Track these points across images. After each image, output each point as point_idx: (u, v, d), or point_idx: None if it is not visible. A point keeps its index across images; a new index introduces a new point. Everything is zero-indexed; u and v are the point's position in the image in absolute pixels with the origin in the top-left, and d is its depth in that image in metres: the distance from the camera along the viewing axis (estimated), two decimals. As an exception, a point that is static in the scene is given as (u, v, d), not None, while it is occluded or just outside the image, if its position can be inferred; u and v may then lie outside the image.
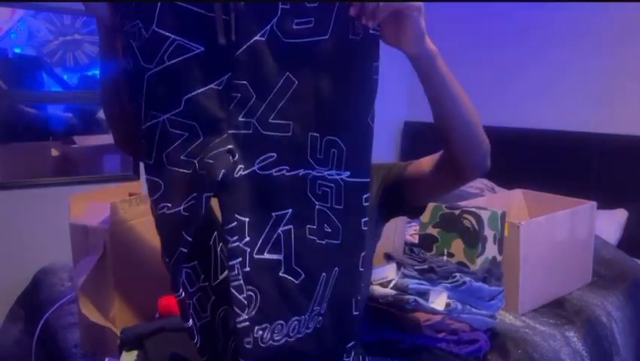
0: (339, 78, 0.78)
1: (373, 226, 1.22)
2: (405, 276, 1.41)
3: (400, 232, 1.75)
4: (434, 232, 1.69)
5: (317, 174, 0.80)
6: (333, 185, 0.80)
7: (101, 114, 2.58)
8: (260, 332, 0.77)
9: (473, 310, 1.45)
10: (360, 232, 0.82)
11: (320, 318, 0.81)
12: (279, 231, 0.78)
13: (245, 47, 0.75)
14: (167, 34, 0.74)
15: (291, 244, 0.79)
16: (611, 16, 2.52)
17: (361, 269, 0.83)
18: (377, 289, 1.35)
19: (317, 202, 0.80)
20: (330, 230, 0.80)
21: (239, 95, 0.76)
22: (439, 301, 1.39)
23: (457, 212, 1.65)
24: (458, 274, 1.43)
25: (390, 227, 1.46)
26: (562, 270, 1.87)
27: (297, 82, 0.77)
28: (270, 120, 0.77)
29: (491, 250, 1.64)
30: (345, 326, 0.83)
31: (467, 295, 1.44)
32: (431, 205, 1.70)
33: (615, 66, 2.52)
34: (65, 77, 2.47)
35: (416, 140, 3.34)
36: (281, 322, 0.78)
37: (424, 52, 0.81)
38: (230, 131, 0.77)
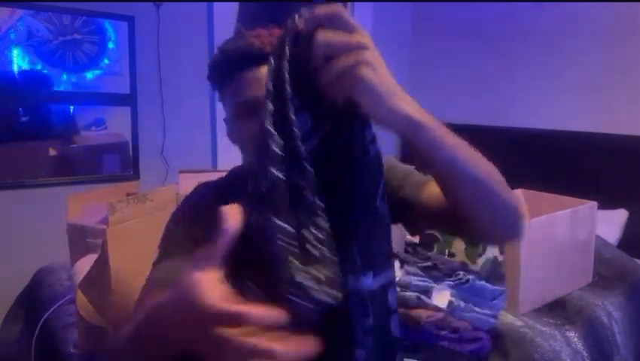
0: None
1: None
2: (408, 273, 1.41)
3: (400, 231, 1.75)
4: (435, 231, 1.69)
5: None
6: None
7: (101, 113, 2.58)
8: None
9: (476, 309, 1.44)
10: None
11: None
12: None
13: None
14: None
15: None
16: (611, 16, 2.52)
17: None
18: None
19: None
20: None
21: None
22: (441, 298, 1.39)
23: (457, 212, 1.65)
24: (461, 272, 1.43)
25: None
26: (563, 270, 1.86)
27: None
28: None
29: (492, 250, 1.63)
30: None
31: (470, 293, 1.44)
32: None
33: (615, 66, 2.52)
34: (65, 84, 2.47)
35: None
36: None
37: (393, 116, 0.61)
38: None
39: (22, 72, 2.37)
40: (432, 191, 0.89)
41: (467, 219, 0.78)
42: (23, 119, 2.44)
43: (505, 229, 0.82)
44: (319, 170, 0.63)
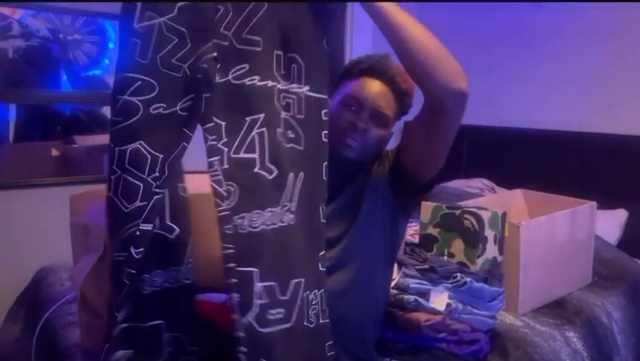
0: (299, 3, 0.91)
1: (388, 220, 1.24)
2: (406, 276, 1.41)
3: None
4: (435, 232, 1.69)
5: (282, 87, 0.91)
6: (294, 97, 0.91)
7: (102, 113, 2.59)
8: (240, 220, 0.85)
9: (474, 310, 1.45)
10: (321, 143, 0.94)
11: (292, 216, 0.89)
12: (254, 133, 0.87)
13: None
14: None
15: (265, 144, 0.88)
16: (612, 16, 2.52)
17: (325, 178, 0.93)
18: (378, 289, 1.35)
19: (282, 111, 0.90)
20: (293, 136, 0.91)
21: (222, 8, 0.85)
22: (439, 301, 1.39)
23: (457, 212, 1.65)
24: (459, 275, 1.43)
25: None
26: (562, 270, 1.87)
27: (266, 4, 0.87)
28: (243, 35, 0.87)
29: (491, 250, 1.64)
30: (315, 232, 0.93)
31: (468, 295, 1.44)
32: (431, 205, 1.70)
33: (615, 66, 2.52)
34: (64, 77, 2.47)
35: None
36: (258, 211, 0.86)
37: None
38: (214, 40, 0.85)
39: (22, 72, 2.37)
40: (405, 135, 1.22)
41: (421, 81, 1.02)
42: (24, 119, 2.44)
43: (449, 79, 1.00)
44: None
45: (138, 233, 0.81)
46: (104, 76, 2.55)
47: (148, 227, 0.82)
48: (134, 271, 0.84)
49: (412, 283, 1.40)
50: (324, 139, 0.94)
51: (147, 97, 0.81)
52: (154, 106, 0.81)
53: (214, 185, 0.85)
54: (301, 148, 0.92)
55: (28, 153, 2.44)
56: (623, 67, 2.50)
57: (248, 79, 0.87)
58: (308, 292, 0.89)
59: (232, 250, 0.84)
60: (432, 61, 0.99)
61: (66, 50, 2.44)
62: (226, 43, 0.86)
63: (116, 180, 0.81)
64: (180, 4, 0.82)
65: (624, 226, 2.40)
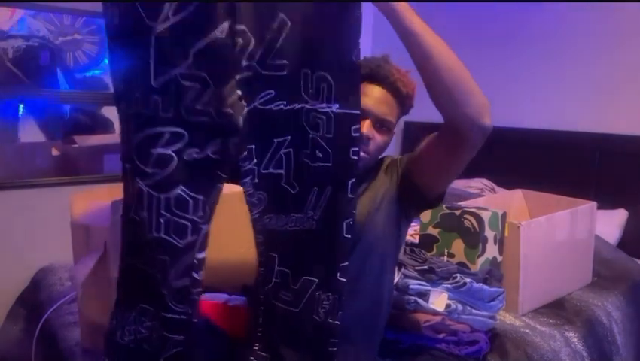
0: (326, 18, 0.89)
1: (393, 225, 1.24)
2: (406, 276, 1.41)
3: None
4: (435, 232, 1.69)
5: (310, 107, 0.91)
6: (324, 116, 0.91)
7: (102, 113, 2.59)
8: (267, 220, 0.95)
9: (474, 311, 1.45)
10: (348, 159, 0.94)
11: (314, 222, 0.96)
12: (281, 153, 0.92)
13: None
14: None
15: (291, 163, 0.93)
16: (612, 16, 2.52)
17: (350, 195, 0.95)
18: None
19: (310, 131, 0.92)
20: (321, 155, 0.93)
21: (241, 40, 0.82)
22: (439, 301, 1.39)
23: (457, 212, 1.65)
24: (458, 275, 1.43)
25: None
26: (562, 270, 1.87)
27: (289, 23, 0.85)
28: (268, 62, 0.85)
29: (491, 250, 1.64)
30: (336, 244, 0.97)
31: (467, 296, 1.44)
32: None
33: (615, 66, 2.52)
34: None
35: (416, 140, 3.33)
36: (283, 215, 0.95)
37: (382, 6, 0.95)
38: (237, 77, 0.83)
39: (23, 72, 2.37)
40: (422, 145, 1.21)
41: (445, 112, 1.03)
42: (26, 119, 2.44)
43: (473, 115, 1.01)
44: None
45: (196, 261, 0.88)
46: (104, 76, 2.55)
47: (203, 255, 0.89)
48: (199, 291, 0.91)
49: (412, 283, 1.40)
50: (352, 156, 0.94)
51: (179, 146, 0.83)
52: (187, 152, 0.84)
53: (247, 197, 0.92)
54: (329, 165, 0.94)
55: (28, 153, 2.44)
56: (622, 67, 2.50)
57: (274, 104, 0.88)
58: (320, 292, 0.97)
59: (260, 238, 0.96)
60: (461, 92, 0.99)
61: (66, 50, 2.44)
62: (250, 74, 0.85)
63: (166, 222, 0.85)
64: (193, 49, 0.80)
65: (624, 226, 2.41)
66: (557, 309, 1.78)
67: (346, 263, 0.97)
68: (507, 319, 1.66)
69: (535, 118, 2.76)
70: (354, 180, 0.95)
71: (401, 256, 1.45)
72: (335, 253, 0.97)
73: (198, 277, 0.89)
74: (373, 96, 1.21)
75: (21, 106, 2.43)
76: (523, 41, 2.85)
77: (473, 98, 1.01)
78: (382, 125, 1.22)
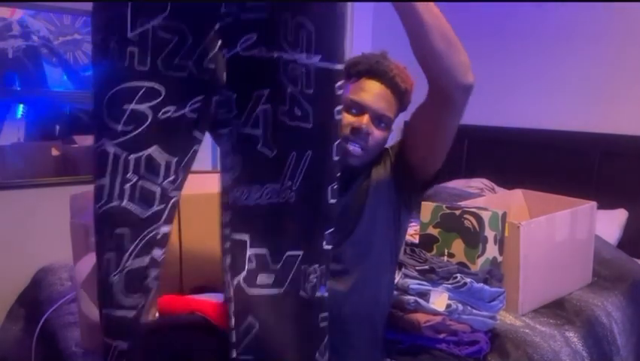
0: None
1: (393, 216, 1.25)
2: (406, 276, 1.41)
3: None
4: (435, 232, 1.69)
5: (289, 58, 0.82)
6: (303, 69, 0.83)
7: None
8: (238, 193, 0.86)
9: (474, 311, 1.45)
10: (332, 121, 0.87)
11: (292, 193, 0.87)
12: (259, 109, 0.84)
13: None
14: None
15: (269, 122, 0.85)
16: (612, 16, 2.52)
17: (335, 158, 0.88)
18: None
19: (289, 85, 0.83)
20: (299, 113, 0.85)
21: None
22: (439, 301, 1.39)
23: (458, 212, 1.65)
24: (459, 275, 1.43)
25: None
26: (562, 270, 1.87)
27: None
28: (248, 4, 0.80)
29: (491, 250, 1.64)
30: (320, 211, 0.89)
31: (468, 296, 1.44)
32: (431, 205, 1.70)
33: (615, 66, 2.52)
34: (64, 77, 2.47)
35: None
36: (258, 185, 0.86)
37: None
38: (216, 27, 0.79)
39: (23, 72, 2.37)
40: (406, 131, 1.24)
41: (430, 71, 1.03)
42: (25, 119, 2.44)
43: (458, 70, 1.02)
44: None
45: (159, 236, 0.81)
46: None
47: (167, 229, 0.82)
48: (156, 280, 0.83)
49: (413, 283, 1.40)
50: (336, 117, 0.86)
51: (155, 102, 0.79)
52: (163, 110, 0.79)
53: (221, 158, 0.86)
54: (309, 126, 0.85)
55: (28, 153, 2.44)
56: (622, 67, 2.50)
57: (256, 50, 0.82)
58: (306, 265, 0.89)
59: (227, 216, 0.87)
60: (446, 49, 0.99)
61: (66, 50, 2.44)
62: (230, 20, 0.80)
63: (131, 187, 0.79)
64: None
65: (624, 226, 2.41)
66: (557, 309, 1.78)
67: (332, 229, 0.91)
68: (507, 319, 1.66)
69: (536, 118, 2.76)
70: (339, 141, 0.88)
71: (401, 256, 1.45)
72: (319, 220, 0.90)
73: (158, 259, 0.81)
74: (371, 92, 1.21)
75: (21, 106, 2.43)
76: (523, 41, 2.85)
77: (457, 53, 1.01)
78: (380, 121, 1.23)
